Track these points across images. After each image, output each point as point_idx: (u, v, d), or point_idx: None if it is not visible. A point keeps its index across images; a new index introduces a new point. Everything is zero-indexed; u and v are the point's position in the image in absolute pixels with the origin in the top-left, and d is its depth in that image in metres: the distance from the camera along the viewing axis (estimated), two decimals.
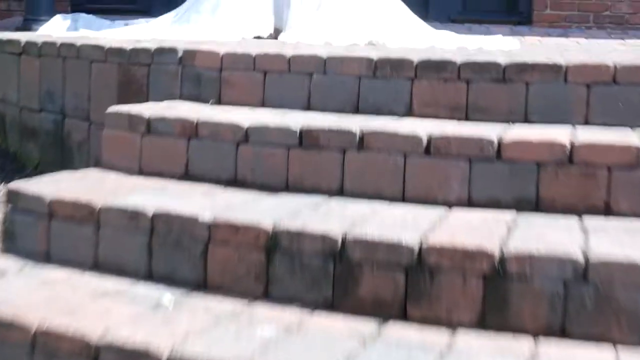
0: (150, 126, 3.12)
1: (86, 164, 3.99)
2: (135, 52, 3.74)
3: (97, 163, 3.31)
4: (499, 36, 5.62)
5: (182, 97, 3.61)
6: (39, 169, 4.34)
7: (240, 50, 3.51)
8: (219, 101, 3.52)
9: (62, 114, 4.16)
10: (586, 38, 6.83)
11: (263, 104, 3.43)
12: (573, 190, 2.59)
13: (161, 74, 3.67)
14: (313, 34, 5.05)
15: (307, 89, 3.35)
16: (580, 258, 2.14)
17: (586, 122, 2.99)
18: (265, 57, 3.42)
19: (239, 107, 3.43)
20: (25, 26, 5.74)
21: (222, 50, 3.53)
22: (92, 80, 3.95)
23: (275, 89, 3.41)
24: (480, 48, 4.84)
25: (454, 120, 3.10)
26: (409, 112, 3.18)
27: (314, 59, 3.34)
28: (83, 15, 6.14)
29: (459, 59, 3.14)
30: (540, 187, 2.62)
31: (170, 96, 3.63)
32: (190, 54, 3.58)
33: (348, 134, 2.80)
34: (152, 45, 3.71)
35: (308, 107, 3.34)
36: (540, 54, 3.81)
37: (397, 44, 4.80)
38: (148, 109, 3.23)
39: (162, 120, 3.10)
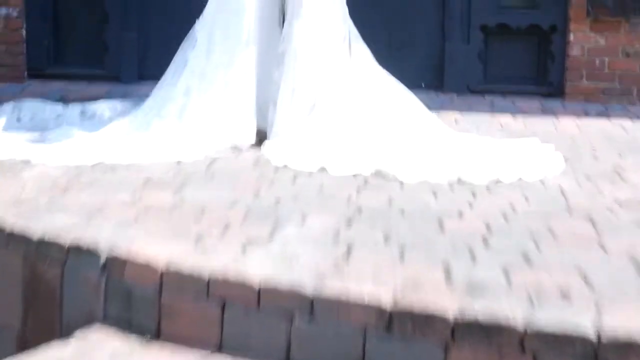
0: None
1: None
2: (45, 245, 2.61)
3: None
4: (536, 141, 4.48)
5: (107, 318, 2.48)
6: None
7: (187, 265, 2.37)
8: (157, 334, 2.39)
9: None
10: (631, 119, 5.75)
11: (220, 347, 2.29)
12: None
13: (78, 281, 2.54)
14: (305, 153, 3.97)
15: (286, 335, 2.21)
16: None
17: None
18: (224, 284, 2.29)
19: (185, 348, 2.31)
20: None
21: (161, 262, 2.39)
22: None
23: (238, 329, 2.27)
24: (519, 179, 3.74)
25: None
26: None
27: (294, 296, 2.20)
28: (27, 103, 5.01)
29: (520, 321, 2.00)
30: None
31: (90, 315, 2.51)
32: (117, 264, 2.45)
33: None
34: (65, 239, 2.58)
35: None
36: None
37: (412, 175, 3.70)
38: None
39: None
